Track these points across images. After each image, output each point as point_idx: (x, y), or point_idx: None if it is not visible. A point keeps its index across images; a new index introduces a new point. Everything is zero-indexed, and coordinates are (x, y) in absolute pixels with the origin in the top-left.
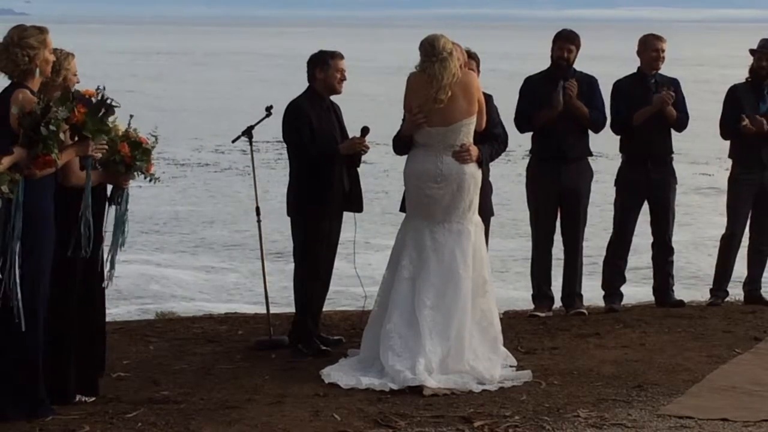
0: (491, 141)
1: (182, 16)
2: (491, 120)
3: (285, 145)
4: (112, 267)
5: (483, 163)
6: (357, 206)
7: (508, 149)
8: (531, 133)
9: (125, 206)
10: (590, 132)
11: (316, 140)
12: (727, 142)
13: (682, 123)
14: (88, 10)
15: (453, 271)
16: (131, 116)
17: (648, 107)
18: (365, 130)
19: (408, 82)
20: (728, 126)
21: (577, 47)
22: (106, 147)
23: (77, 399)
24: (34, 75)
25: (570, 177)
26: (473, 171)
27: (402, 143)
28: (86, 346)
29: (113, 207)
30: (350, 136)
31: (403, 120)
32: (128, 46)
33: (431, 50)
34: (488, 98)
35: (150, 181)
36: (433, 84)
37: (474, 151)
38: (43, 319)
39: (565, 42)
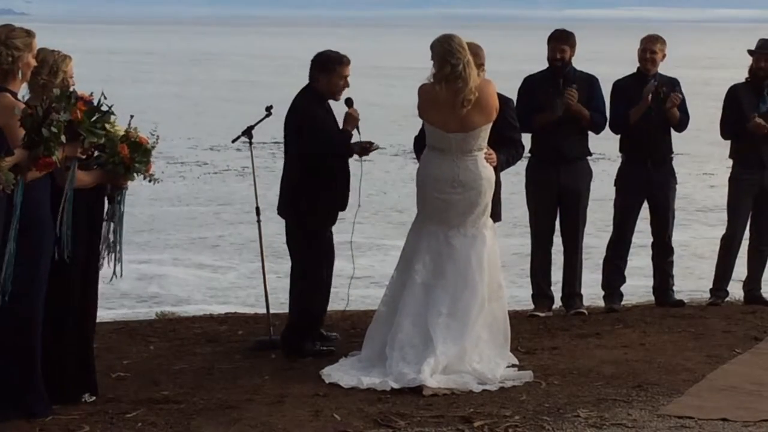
0: (508, 146)
1: (184, 16)
2: (510, 125)
3: (286, 147)
4: (111, 262)
5: (498, 169)
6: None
7: None
8: (530, 134)
9: (122, 206)
10: (590, 132)
11: (325, 142)
12: (727, 143)
13: (682, 123)
14: (88, 10)
15: (469, 278)
16: (131, 116)
17: (640, 104)
18: (349, 102)
19: (422, 94)
20: (728, 126)
21: (571, 46)
22: (91, 151)
23: (83, 399)
24: (16, 77)
25: (569, 177)
26: (489, 175)
27: None
28: (84, 345)
29: (110, 206)
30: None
31: (422, 129)
32: (127, 46)
33: (456, 52)
34: (508, 101)
35: (150, 181)
36: (460, 88)
37: (494, 155)
38: (43, 319)
39: (558, 43)
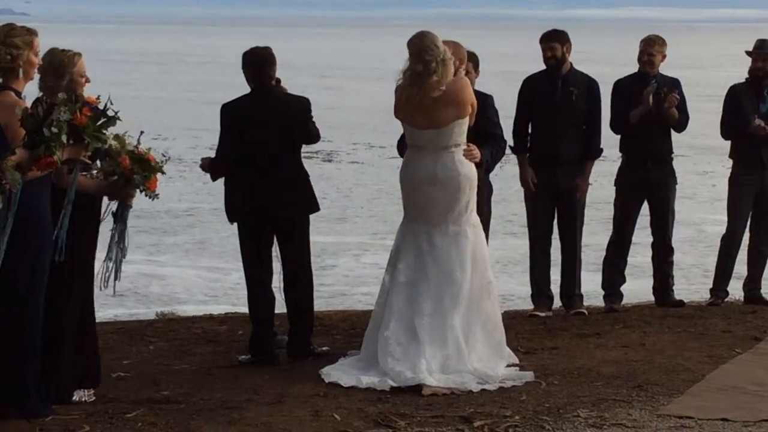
0: (490, 142)
1: (184, 16)
2: (489, 121)
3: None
4: (116, 275)
5: (481, 165)
6: None
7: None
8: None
9: (125, 224)
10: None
11: None
12: (728, 143)
13: (682, 123)
14: (87, 9)
15: (450, 276)
16: (141, 132)
17: (641, 106)
18: None
19: (396, 94)
20: (728, 126)
21: (562, 43)
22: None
23: (76, 398)
24: (18, 75)
25: (566, 178)
26: (468, 172)
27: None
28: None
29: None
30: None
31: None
32: (127, 46)
33: (429, 50)
34: (487, 98)
35: (150, 198)
36: (431, 84)
37: (476, 150)
38: (42, 318)
39: (547, 42)
